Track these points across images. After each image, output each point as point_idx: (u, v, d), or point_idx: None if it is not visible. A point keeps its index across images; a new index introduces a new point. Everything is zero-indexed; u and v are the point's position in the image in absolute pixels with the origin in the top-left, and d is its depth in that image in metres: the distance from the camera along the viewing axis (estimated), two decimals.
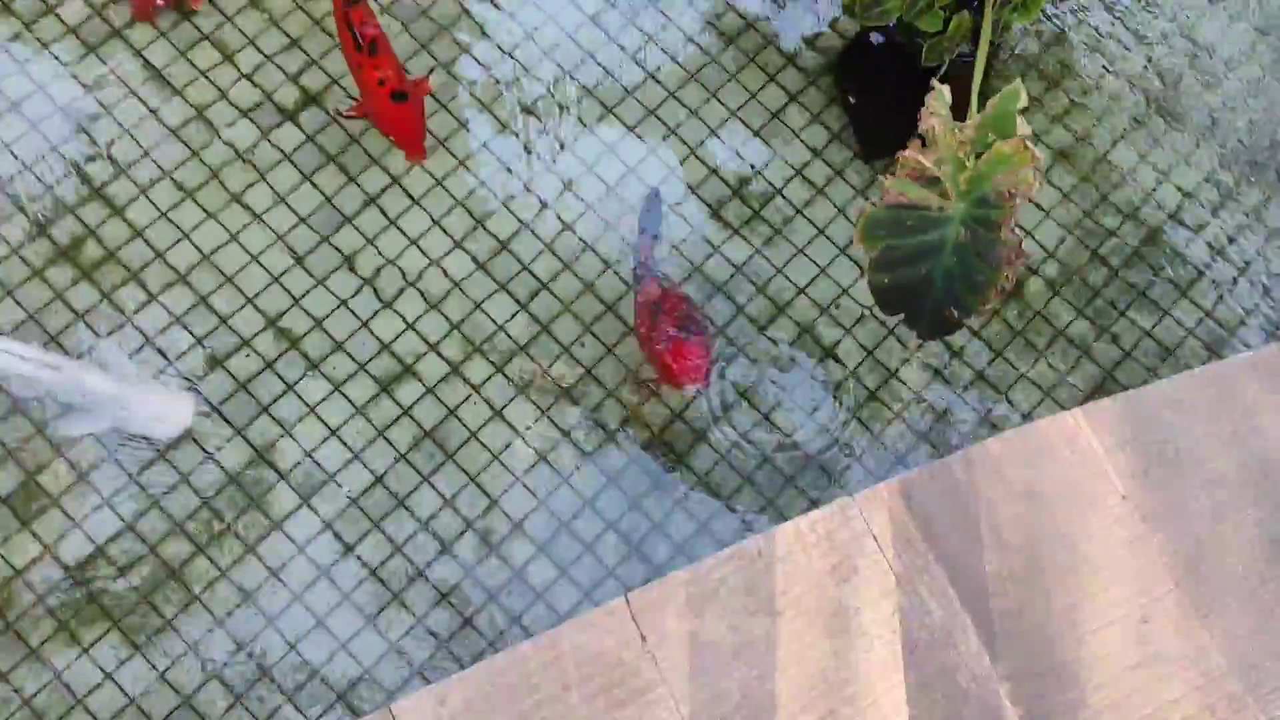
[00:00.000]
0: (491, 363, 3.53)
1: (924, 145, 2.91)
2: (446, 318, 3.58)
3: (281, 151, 3.65)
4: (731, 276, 3.67)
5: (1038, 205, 3.84)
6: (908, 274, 3.05)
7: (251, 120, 3.63)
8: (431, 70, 3.64)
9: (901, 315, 3.18)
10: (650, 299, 3.29)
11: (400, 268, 3.60)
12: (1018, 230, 2.97)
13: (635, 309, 3.34)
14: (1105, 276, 3.75)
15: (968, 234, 2.96)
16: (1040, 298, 3.73)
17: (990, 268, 2.98)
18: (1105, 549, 2.82)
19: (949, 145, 2.90)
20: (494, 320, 3.58)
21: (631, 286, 3.43)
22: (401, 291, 3.58)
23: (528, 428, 3.47)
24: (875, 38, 3.64)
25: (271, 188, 3.61)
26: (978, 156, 2.91)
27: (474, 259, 3.62)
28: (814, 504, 3.42)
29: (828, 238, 3.75)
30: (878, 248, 3.04)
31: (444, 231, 3.62)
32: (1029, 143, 2.87)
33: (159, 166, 3.55)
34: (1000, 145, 2.88)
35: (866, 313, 3.64)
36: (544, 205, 3.68)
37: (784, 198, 3.76)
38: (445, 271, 3.61)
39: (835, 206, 3.71)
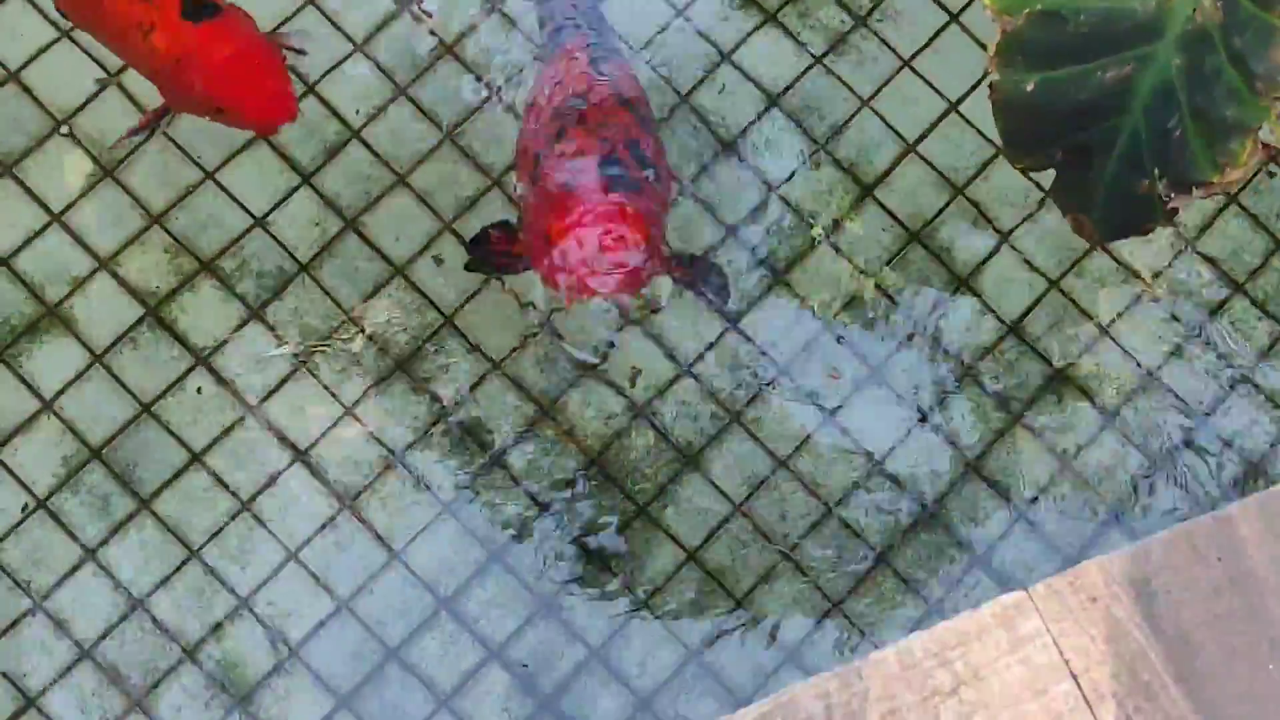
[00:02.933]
0: (239, 297, 2.69)
1: None
2: (131, 195, 2.67)
3: None
4: (760, 115, 2.81)
5: None
6: (1075, 78, 2.44)
7: None
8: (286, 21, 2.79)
9: (1050, 174, 2.55)
10: (566, 92, 2.41)
11: (8, 67, 2.73)
12: None
13: (523, 132, 2.50)
14: None
15: (1220, 3, 2.39)
16: None
17: (1258, 84, 2.32)
18: None
19: None
20: (238, 201, 2.70)
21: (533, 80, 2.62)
22: (31, 153, 2.71)
23: (316, 441, 2.66)
24: None
25: None
26: None
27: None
28: (937, 606, 2.64)
29: (969, 32, 2.82)
30: (1024, 7, 2.46)
31: None
32: None
33: None
34: None
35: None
36: None
37: None
38: (119, 83, 2.75)
39: None
